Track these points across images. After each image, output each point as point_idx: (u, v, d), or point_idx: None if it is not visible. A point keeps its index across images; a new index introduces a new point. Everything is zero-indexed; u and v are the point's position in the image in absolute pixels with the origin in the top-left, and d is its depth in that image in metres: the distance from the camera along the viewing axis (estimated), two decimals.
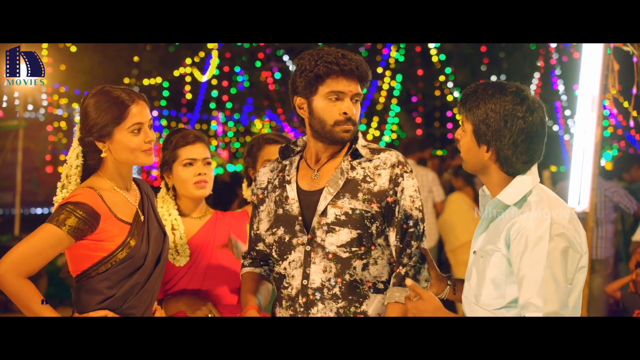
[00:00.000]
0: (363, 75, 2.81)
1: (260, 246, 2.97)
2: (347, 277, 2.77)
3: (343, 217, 2.77)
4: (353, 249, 2.77)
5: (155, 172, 11.71)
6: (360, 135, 2.90)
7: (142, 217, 2.87)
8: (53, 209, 2.82)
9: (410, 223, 2.80)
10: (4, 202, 10.84)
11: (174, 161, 3.32)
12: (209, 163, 3.34)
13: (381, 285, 2.82)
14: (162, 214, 3.29)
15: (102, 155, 2.81)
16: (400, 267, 2.79)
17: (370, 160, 2.84)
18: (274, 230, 2.89)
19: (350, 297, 2.77)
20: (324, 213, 2.79)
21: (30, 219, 10.18)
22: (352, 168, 2.83)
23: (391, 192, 2.80)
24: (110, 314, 2.74)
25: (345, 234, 2.77)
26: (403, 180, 2.81)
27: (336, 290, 2.77)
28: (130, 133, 2.78)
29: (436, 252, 7.92)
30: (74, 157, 2.84)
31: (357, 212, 2.77)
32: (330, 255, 2.77)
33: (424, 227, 2.85)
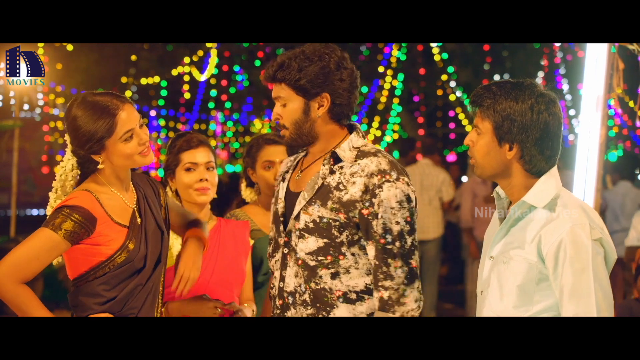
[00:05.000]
0: (275, 77, 2.68)
1: None
2: (312, 285, 2.65)
3: (311, 225, 2.66)
4: (319, 258, 2.64)
5: (153, 173, 11.65)
6: (352, 136, 2.73)
7: (138, 220, 2.84)
8: (47, 212, 2.81)
9: (389, 238, 2.58)
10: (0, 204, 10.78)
11: (177, 165, 3.31)
12: (211, 168, 3.32)
13: (353, 296, 2.64)
14: None
15: (99, 166, 2.78)
16: (383, 291, 2.59)
17: (351, 166, 2.66)
18: (271, 226, 2.86)
19: (318, 305, 2.65)
20: (297, 217, 2.70)
21: (26, 220, 10.16)
22: (332, 173, 2.68)
23: (367, 204, 2.60)
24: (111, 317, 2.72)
25: (313, 242, 2.65)
26: (382, 191, 2.58)
27: (306, 296, 2.66)
28: (123, 142, 2.74)
29: (436, 249, 8.25)
30: (69, 168, 2.82)
31: (325, 220, 2.63)
32: (299, 262, 2.68)
33: (412, 242, 2.61)
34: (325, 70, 2.64)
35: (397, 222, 2.58)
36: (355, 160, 2.66)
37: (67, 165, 2.83)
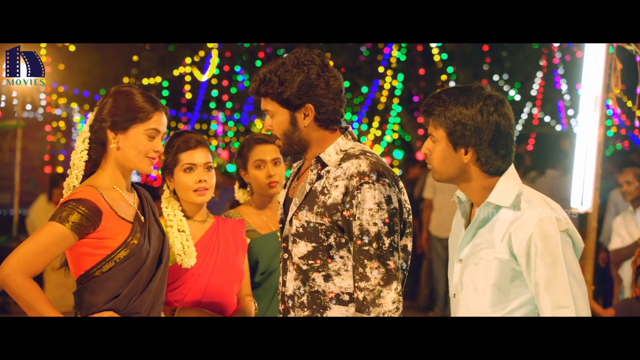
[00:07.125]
0: (259, 91, 2.74)
1: None
2: (307, 288, 2.69)
3: (301, 230, 2.70)
4: (310, 262, 2.69)
5: (155, 173, 11.65)
6: (339, 140, 2.76)
7: (142, 218, 2.89)
8: (62, 189, 2.87)
9: (366, 239, 2.58)
10: (2, 203, 10.76)
11: (175, 166, 3.33)
12: (210, 168, 3.34)
13: (346, 297, 2.67)
14: (168, 214, 3.32)
15: (111, 146, 2.84)
16: (359, 292, 2.59)
17: (335, 170, 2.69)
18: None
19: (313, 307, 2.69)
20: (290, 223, 2.75)
21: None
22: (319, 178, 2.72)
23: (348, 206, 2.62)
24: (115, 316, 2.75)
25: (303, 247, 2.70)
26: (360, 192, 2.59)
27: (304, 299, 2.70)
28: (146, 136, 2.84)
29: None
30: (80, 142, 2.88)
31: (312, 225, 2.67)
32: (295, 266, 2.72)
33: (390, 243, 2.59)
34: (306, 81, 2.68)
35: (375, 224, 2.58)
36: (340, 164, 2.68)
37: (78, 139, 2.88)
